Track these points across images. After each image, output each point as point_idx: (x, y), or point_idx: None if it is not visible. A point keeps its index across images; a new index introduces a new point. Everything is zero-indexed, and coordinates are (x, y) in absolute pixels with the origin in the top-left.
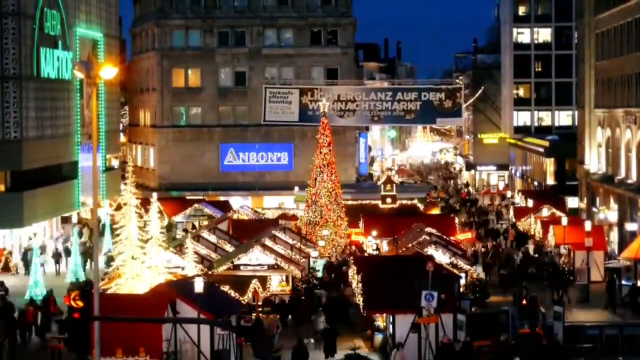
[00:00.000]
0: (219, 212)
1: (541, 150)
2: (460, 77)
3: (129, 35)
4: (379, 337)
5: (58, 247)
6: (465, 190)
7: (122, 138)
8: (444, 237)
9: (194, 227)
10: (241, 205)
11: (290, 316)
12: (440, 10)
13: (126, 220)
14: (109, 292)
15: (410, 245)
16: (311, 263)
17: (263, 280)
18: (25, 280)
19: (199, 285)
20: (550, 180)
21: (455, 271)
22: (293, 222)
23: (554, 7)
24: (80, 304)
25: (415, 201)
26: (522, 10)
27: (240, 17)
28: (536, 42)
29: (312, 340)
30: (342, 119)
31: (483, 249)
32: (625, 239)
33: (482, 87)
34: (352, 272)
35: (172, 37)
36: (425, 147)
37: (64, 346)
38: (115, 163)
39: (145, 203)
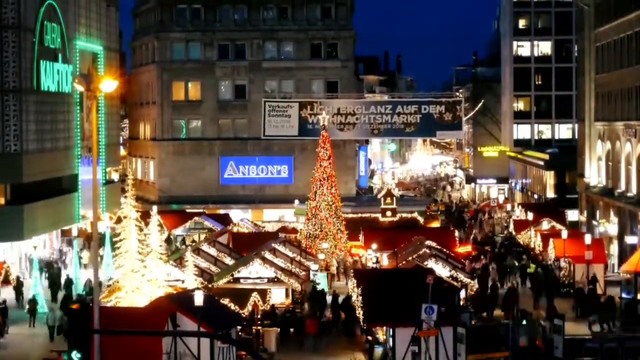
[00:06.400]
0: (219, 225)
1: (541, 163)
2: (460, 90)
3: (129, 49)
4: (378, 351)
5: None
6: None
7: (122, 151)
8: (444, 250)
9: (193, 240)
10: (241, 218)
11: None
12: (441, 24)
13: (126, 233)
14: (108, 305)
15: (410, 258)
16: (311, 276)
17: (263, 294)
18: (26, 293)
19: (198, 299)
20: (550, 193)
21: (455, 284)
22: (293, 235)
23: (554, 20)
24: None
25: (415, 214)
26: (522, 23)
27: (241, 30)
28: (536, 55)
29: None
30: (342, 132)
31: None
32: (625, 252)
33: (482, 100)
34: (352, 285)
35: (172, 50)
36: (425, 160)
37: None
38: (115, 176)
39: (145, 216)
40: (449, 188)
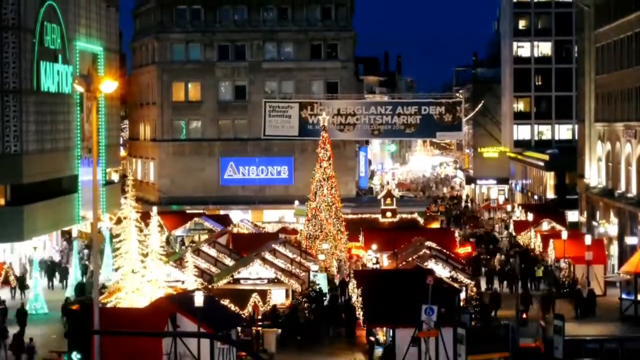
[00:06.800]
0: (219, 226)
1: (541, 164)
2: (461, 91)
3: (129, 49)
4: (379, 351)
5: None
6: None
7: (122, 152)
8: (444, 251)
9: (193, 241)
10: (241, 219)
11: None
12: (441, 24)
13: (126, 234)
14: (108, 306)
15: (410, 259)
16: (311, 277)
17: (263, 294)
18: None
19: (199, 299)
20: (551, 194)
21: (455, 285)
22: (293, 236)
23: (554, 20)
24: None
25: (415, 215)
26: (522, 24)
27: (241, 31)
28: (536, 55)
29: None
30: (342, 132)
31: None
32: (625, 253)
33: (482, 101)
34: (353, 286)
35: (172, 51)
36: (425, 160)
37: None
38: (115, 177)
39: (145, 217)
40: (445, 189)
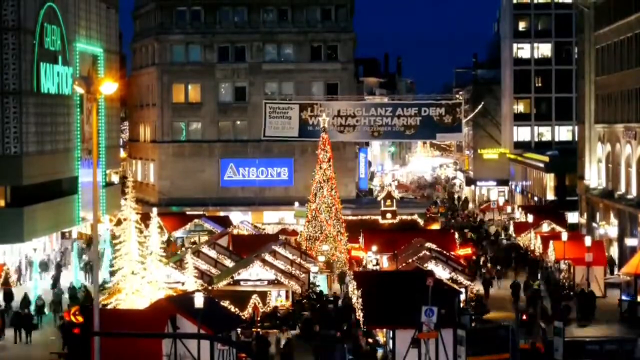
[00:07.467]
0: (219, 227)
1: (541, 165)
2: (460, 93)
3: (129, 51)
4: (379, 352)
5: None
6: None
7: (122, 153)
8: (444, 252)
9: (193, 243)
10: (241, 220)
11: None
12: (441, 26)
13: (126, 235)
14: (109, 307)
15: (410, 260)
16: (311, 278)
17: (263, 296)
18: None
19: (199, 301)
20: (551, 196)
21: (455, 286)
22: (293, 238)
23: (554, 22)
24: (80, 319)
25: (415, 216)
26: (522, 25)
27: (241, 32)
28: (536, 57)
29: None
30: (342, 134)
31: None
32: (625, 254)
33: (482, 103)
34: (353, 287)
35: (172, 53)
36: (425, 162)
37: None
38: (115, 178)
39: (145, 218)
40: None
